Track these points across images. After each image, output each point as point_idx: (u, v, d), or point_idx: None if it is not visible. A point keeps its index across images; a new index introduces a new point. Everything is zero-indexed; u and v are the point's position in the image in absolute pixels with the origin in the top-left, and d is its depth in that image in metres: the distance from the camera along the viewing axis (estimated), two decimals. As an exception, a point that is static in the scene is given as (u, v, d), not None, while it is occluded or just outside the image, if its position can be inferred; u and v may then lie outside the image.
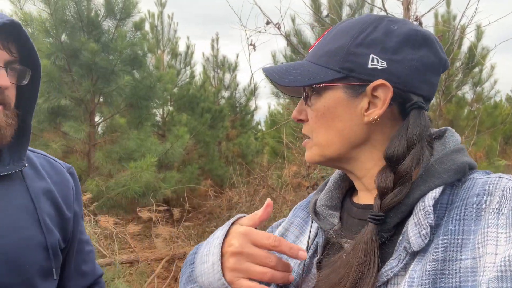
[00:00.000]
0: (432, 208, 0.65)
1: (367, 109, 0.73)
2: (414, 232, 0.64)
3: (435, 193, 0.67)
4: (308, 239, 0.84)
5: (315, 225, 0.85)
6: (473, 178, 0.69)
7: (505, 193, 0.62)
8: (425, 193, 0.67)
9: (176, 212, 5.63)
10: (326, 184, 0.88)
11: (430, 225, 0.63)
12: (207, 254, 0.78)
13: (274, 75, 0.76)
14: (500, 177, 0.66)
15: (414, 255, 0.64)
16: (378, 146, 0.75)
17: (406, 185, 0.68)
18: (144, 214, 4.51)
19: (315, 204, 0.85)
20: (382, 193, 0.69)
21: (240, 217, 0.81)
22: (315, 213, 0.84)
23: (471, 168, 0.72)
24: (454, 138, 0.76)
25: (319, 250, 0.81)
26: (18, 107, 1.09)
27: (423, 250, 0.64)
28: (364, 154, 0.76)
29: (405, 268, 0.64)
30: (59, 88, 5.14)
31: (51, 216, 1.13)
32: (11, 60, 1.04)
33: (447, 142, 0.74)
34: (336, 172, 0.88)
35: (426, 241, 0.63)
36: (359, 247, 0.67)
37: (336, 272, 0.69)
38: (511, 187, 0.62)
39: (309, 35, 6.10)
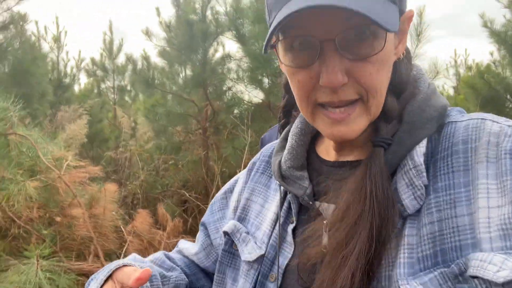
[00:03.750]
0: (424, 166, 0.58)
1: (396, 46, 0.62)
2: (407, 194, 0.58)
3: (422, 147, 0.59)
4: (280, 207, 0.73)
5: (282, 189, 0.74)
6: (452, 122, 0.61)
7: (492, 139, 0.56)
8: (411, 148, 0.59)
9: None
10: (285, 140, 0.76)
11: (424, 185, 0.57)
12: None
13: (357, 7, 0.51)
14: (482, 118, 0.59)
15: (406, 217, 0.58)
16: None
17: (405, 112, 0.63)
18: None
19: (279, 166, 0.73)
20: (390, 117, 0.62)
21: (124, 265, 0.70)
22: (282, 177, 0.72)
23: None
24: (424, 77, 0.66)
25: (294, 218, 0.70)
26: None
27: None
28: None
29: (399, 232, 0.57)
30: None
31: None
32: None
33: (419, 84, 0.65)
34: (296, 126, 0.75)
35: (422, 203, 0.57)
36: (372, 175, 0.57)
37: (348, 209, 0.58)
38: (497, 131, 0.56)
39: None
